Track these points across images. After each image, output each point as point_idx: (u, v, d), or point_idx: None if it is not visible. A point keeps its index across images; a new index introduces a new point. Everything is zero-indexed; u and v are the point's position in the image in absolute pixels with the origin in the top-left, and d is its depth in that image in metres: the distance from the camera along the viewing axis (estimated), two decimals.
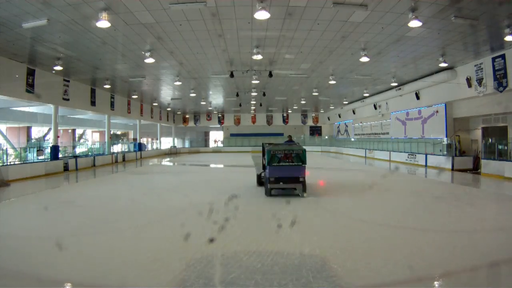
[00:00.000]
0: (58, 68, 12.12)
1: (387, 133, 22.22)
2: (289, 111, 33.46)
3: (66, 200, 8.21)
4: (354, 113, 27.33)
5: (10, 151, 16.01)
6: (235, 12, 7.90)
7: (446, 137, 15.56)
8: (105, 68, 13.64)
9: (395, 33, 9.35)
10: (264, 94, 19.92)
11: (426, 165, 16.14)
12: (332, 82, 15.57)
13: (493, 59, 11.44)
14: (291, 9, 7.71)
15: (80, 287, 3.47)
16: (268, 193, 7.92)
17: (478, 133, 15.28)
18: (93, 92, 17.54)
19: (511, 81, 10.81)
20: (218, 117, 34.67)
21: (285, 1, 7.28)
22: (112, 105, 20.02)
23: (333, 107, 30.01)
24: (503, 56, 11.03)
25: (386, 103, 21.32)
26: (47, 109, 17.08)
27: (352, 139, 29.01)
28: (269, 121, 34.61)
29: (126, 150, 25.87)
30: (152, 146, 35.00)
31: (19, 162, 13.11)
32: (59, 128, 18.40)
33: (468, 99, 13.88)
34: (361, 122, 26.97)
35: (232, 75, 13.76)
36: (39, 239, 5.00)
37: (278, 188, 7.91)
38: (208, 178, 13.48)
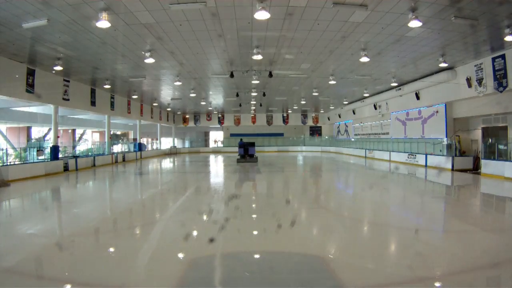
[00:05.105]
0: (58, 68, 12.12)
1: (387, 133, 22.21)
2: (289, 111, 33.43)
3: None
4: (354, 113, 27.31)
5: (10, 151, 15.98)
6: (235, 12, 7.89)
7: (446, 137, 15.55)
8: (105, 68, 13.62)
9: (395, 33, 9.34)
10: (264, 94, 19.91)
11: (426, 165, 16.13)
12: (332, 82, 15.56)
13: (493, 59, 11.43)
14: (291, 9, 7.70)
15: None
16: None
17: (478, 133, 15.26)
18: (93, 92, 17.54)
19: (511, 81, 10.81)
20: (218, 117, 34.64)
21: (285, 1, 7.27)
22: (112, 105, 20.02)
23: (333, 107, 29.98)
24: (503, 56, 11.02)
25: (386, 103, 21.30)
26: (47, 109, 17.06)
27: (352, 139, 29.00)
28: (269, 121, 34.59)
29: (126, 150, 25.87)
30: (152, 146, 35.02)
31: (19, 162, 13.11)
32: (59, 128, 18.40)
33: (468, 99, 13.88)
34: (361, 122, 26.95)
35: (232, 75, 13.73)
36: None
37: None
38: None
